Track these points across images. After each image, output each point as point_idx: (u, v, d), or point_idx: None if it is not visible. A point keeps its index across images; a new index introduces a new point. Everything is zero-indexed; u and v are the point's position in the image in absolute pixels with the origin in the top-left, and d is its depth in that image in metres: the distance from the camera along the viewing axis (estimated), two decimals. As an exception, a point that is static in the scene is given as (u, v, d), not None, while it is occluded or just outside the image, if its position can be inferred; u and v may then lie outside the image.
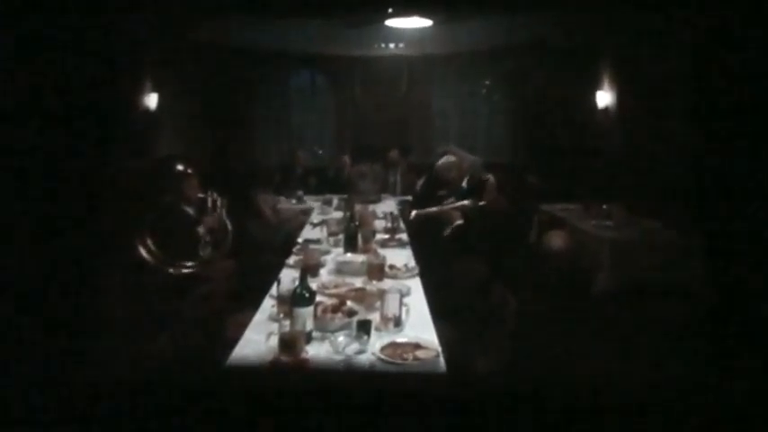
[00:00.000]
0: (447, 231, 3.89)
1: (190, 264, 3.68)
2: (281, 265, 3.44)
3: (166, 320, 3.23)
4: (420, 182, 5.31)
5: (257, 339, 2.30)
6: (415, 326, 2.43)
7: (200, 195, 3.90)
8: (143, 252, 3.58)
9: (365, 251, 3.56)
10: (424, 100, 8.36)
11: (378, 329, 2.37)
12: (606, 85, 6.54)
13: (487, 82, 8.48)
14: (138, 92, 6.28)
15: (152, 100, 6.49)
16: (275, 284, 2.71)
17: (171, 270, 3.61)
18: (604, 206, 5.01)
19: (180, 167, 3.89)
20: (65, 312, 2.61)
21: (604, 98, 6.52)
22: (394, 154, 6.84)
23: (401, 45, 7.58)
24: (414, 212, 3.97)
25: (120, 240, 3.54)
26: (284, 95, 8.41)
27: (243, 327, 2.50)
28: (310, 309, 2.28)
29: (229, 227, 3.95)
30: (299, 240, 4.14)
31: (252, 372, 2.17)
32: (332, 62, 8.02)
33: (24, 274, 2.51)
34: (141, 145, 5.93)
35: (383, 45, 7.60)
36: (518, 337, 2.84)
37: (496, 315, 2.88)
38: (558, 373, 2.91)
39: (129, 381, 2.33)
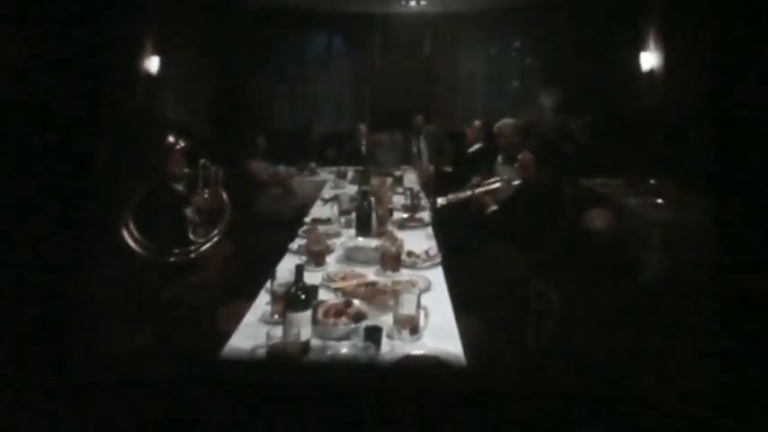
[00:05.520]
0: (480, 220, 3.47)
1: (179, 251, 3.32)
2: (284, 249, 3.10)
3: (152, 313, 2.95)
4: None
5: (244, 348, 1.96)
6: (436, 333, 2.05)
7: (186, 171, 3.46)
8: (127, 237, 3.23)
9: (379, 235, 3.18)
10: (448, 62, 7.90)
11: (389, 337, 2.01)
12: (651, 45, 6.02)
13: (518, 43, 7.96)
14: (137, 54, 5.93)
15: (152, 63, 6.13)
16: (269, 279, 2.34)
17: (158, 259, 3.27)
18: (652, 181, 4.58)
19: (170, 139, 3.53)
20: (45, 301, 2.32)
21: (649, 60, 6.01)
22: (419, 120, 6.46)
23: (423, 2, 7.22)
24: (440, 200, 3.52)
25: (105, 224, 3.22)
26: (297, 57, 8.00)
27: (236, 321, 2.20)
28: (307, 314, 1.92)
29: (227, 203, 3.61)
30: (307, 220, 3.78)
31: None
32: (348, 21, 7.58)
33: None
34: (139, 112, 5.60)
35: (404, 2, 7.23)
36: (560, 340, 2.47)
37: (535, 315, 2.51)
38: (605, 378, 2.55)
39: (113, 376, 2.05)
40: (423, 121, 6.51)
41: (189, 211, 3.33)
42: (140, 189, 3.27)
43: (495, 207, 3.44)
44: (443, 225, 3.54)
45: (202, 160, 3.49)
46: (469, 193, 3.49)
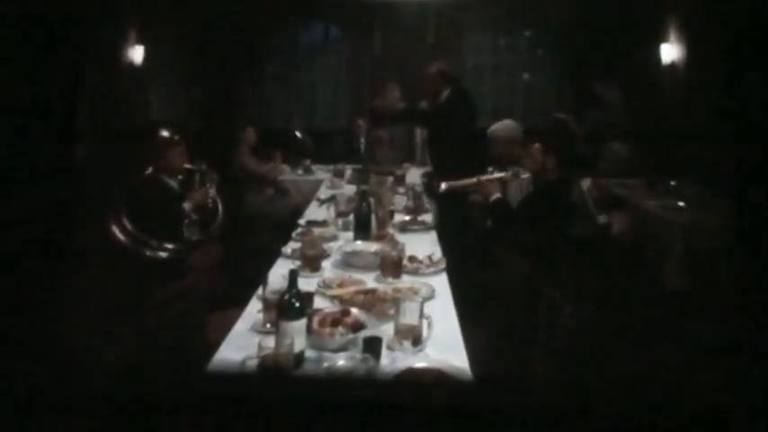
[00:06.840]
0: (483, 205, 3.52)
1: (171, 246, 3.42)
2: (277, 253, 3.10)
3: (136, 320, 2.95)
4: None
5: (234, 359, 1.95)
6: (440, 344, 2.05)
7: (188, 166, 3.69)
8: (116, 231, 3.31)
9: (379, 238, 3.18)
10: (453, 54, 7.87)
11: (390, 348, 2.00)
12: (673, 36, 6.02)
13: (528, 33, 7.96)
14: (120, 45, 5.93)
15: (137, 53, 6.13)
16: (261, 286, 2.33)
17: (148, 252, 3.35)
18: (673, 182, 4.60)
19: (165, 134, 3.66)
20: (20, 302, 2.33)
21: (671, 52, 6.00)
22: (423, 105, 6.43)
23: (427, -11, 7.16)
24: (443, 184, 3.59)
25: (92, 218, 3.27)
26: (292, 47, 8.00)
27: (225, 330, 2.18)
28: (301, 323, 1.91)
29: (220, 206, 3.71)
30: (301, 222, 3.78)
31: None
32: (347, 9, 7.57)
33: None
34: (123, 106, 5.61)
35: (406, -12, 7.18)
36: (573, 353, 2.46)
37: (546, 325, 2.50)
38: (624, 393, 2.54)
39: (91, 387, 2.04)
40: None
41: (186, 205, 3.51)
42: (134, 183, 3.40)
43: (499, 195, 3.48)
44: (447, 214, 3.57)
45: (197, 161, 3.69)
46: (474, 180, 3.54)
